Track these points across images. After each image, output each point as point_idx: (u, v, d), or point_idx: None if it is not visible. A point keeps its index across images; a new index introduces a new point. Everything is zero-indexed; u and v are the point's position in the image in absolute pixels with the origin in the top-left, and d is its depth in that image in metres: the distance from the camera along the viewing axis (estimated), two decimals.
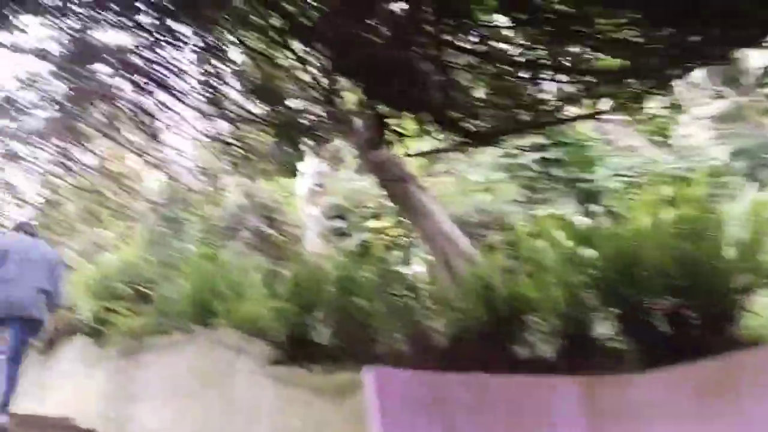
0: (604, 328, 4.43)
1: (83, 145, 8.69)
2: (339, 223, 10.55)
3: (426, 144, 5.90)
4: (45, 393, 9.15)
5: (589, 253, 4.43)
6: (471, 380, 4.05)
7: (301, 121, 6.21)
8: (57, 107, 7.39)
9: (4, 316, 5.96)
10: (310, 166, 10.98)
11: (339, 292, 5.45)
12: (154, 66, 6.31)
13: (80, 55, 6.07)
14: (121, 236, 11.79)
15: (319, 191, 11.05)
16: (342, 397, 4.07)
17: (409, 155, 5.17)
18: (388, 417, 3.60)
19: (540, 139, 7.74)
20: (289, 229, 11.33)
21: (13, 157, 8.63)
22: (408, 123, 5.14)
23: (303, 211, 11.31)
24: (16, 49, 5.97)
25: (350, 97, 5.58)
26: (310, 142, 6.35)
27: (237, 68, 6.01)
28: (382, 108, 5.04)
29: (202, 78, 6.16)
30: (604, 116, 4.73)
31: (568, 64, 4.32)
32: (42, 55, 6.09)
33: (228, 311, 6.00)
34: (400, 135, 5.11)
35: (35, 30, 5.78)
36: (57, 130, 8.04)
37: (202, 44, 5.72)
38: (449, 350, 4.93)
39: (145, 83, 6.60)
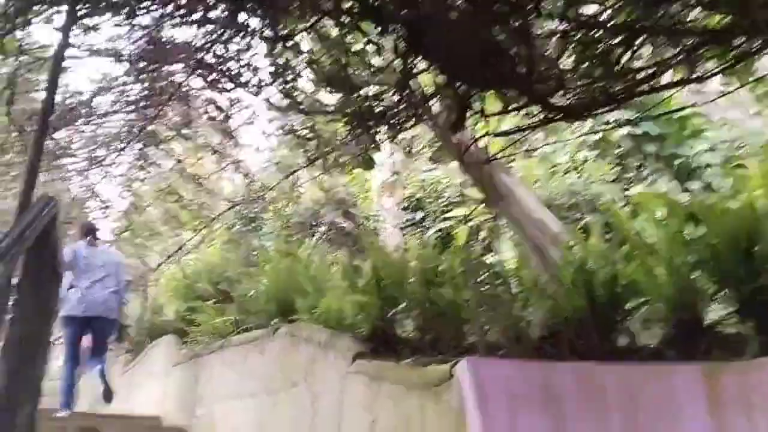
0: (717, 312, 4.09)
1: (160, 147, 8.77)
2: (417, 213, 10.37)
3: (510, 123, 5.60)
4: (132, 392, 9.33)
5: (697, 231, 4.09)
6: (580, 369, 3.78)
7: (376, 108, 6.00)
8: (133, 109, 7.45)
9: (89, 315, 6.73)
10: (385, 156, 10.81)
11: (422, 283, 5.27)
12: (227, 62, 6.22)
13: (153, 55, 6.06)
14: (201, 236, 11.94)
15: (395, 181, 10.85)
16: (433, 391, 3.86)
17: (492, 135, 4.87)
18: (488, 410, 3.36)
19: (631, 113, 7.29)
20: (367, 221, 11.21)
21: (94, 161, 8.78)
22: (491, 101, 4.85)
23: (380, 202, 11.15)
24: (90, 51, 5.97)
25: (427, 79, 5.33)
26: (386, 130, 6.13)
27: (308, 57, 5.85)
28: (463, 87, 4.76)
29: (274, 70, 6.02)
30: (703, 83, 4.30)
31: (665, 24, 3.95)
32: (116, 56, 6.08)
33: (310, 307, 5.93)
34: (483, 115, 4.82)
35: (108, 31, 5.79)
36: (134, 133, 8.13)
37: (273, 35, 5.57)
38: (544, 340, 4.67)
39: (217, 80, 6.52)
